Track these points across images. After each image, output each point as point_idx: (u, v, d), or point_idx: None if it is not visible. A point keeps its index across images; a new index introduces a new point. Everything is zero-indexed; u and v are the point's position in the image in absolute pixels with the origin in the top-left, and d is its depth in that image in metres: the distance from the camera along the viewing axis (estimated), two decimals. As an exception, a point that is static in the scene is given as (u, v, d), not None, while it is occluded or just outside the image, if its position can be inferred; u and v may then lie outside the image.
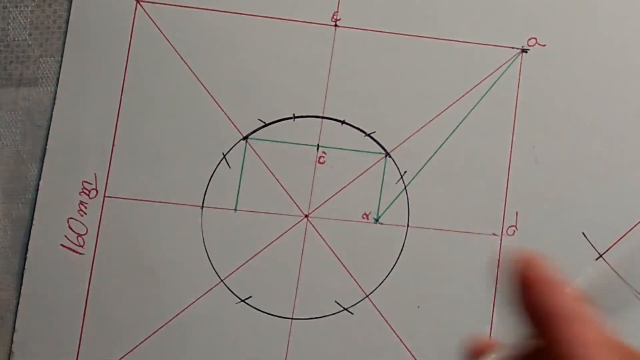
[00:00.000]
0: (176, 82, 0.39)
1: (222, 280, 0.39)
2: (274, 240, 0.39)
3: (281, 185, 0.39)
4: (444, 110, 0.39)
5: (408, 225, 0.39)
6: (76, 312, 0.38)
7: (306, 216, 0.39)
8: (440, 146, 0.39)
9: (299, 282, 0.39)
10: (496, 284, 0.39)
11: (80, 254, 0.38)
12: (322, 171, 0.39)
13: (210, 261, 0.39)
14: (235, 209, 0.39)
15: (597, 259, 0.38)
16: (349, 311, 0.38)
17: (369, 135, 0.39)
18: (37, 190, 0.39)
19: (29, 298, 0.38)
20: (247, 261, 0.39)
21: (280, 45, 0.40)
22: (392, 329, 0.38)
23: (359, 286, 0.38)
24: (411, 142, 0.39)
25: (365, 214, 0.39)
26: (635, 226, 0.38)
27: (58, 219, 0.38)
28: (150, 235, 0.39)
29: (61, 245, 0.38)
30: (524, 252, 0.26)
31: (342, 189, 0.39)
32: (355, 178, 0.39)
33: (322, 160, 0.39)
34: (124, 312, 0.38)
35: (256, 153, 0.39)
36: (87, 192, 0.39)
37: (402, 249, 0.39)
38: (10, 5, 0.40)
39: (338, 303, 0.38)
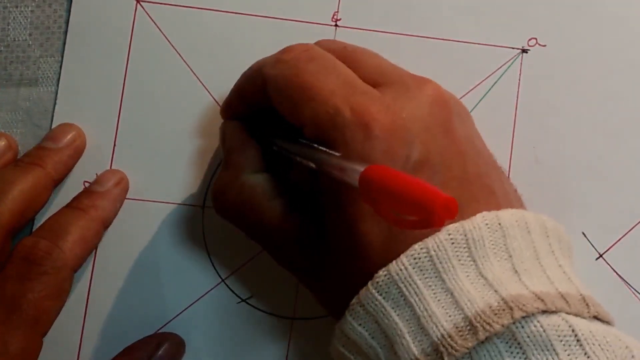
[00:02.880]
0: (177, 82, 0.39)
1: (223, 280, 0.39)
2: (275, 240, 0.39)
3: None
4: (444, 110, 0.39)
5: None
6: (77, 311, 0.38)
7: (307, 216, 0.39)
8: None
9: (300, 282, 0.39)
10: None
11: (81, 254, 0.38)
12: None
13: (211, 261, 0.39)
14: (236, 209, 0.39)
15: (597, 259, 0.38)
16: (349, 311, 0.38)
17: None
18: (37, 190, 0.38)
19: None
20: (248, 261, 0.39)
21: (280, 45, 0.39)
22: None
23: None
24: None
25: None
26: (635, 226, 0.38)
27: (59, 219, 0.38)
28: (151, 235, 0.39)
29: (62, 245, 0.38)
30: None
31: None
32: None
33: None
34: (124, 312, 0.38)
35: (257, 153, 0.39)
36: (88, 192, 0.39)
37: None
38: (10, 6, 0.40)
39: (339, 303, 0.38)
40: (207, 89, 0.39)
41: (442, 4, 0.40)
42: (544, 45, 0.39)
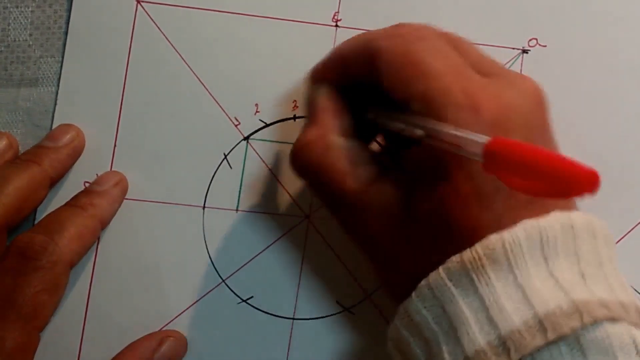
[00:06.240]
0: (177, 83, 0.39)
1: (223, 281, 0.39)
2: (276, 241, 0.39)
3: (282, 185, 0.39)
4: (445, 111, 0.39)
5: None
6: (77, 312, 0.38)
7: (307, 216, 0.39)
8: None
9: (300, 282, 0.39)
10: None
11: (81, 254, 0.38)
12: (323, 171, 0.39)
13: (211, 261, 0.39)
14: (237, 210, 0.39)
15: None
16: (350, 311, 0.39)
17: (369, 135, 0.39)
18: (38, 190, 0.38)
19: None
20: (248, 261, 0.39)
21: (280, 45, 0.40)
22: (393, 328, 0.38)
23: (360, 286, 0.39)
24: (412, 143, 0.39)
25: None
26: (635, 226, 0.38)
27: (59, 220, 0.38)
28: (152, 235, 0.39)
29: (62, 245, 0.38)
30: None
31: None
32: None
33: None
34: (125, 313, 0.38)
35: (257, 153, 0.39)
36: (88, 193, 0.39)
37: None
38: (10, 6, 0.40)
39: (339, 303, 0.39)
40: (207, 89, 0.39)
41: (443, 4, 0.40)
42: (545, 46, 0.39)
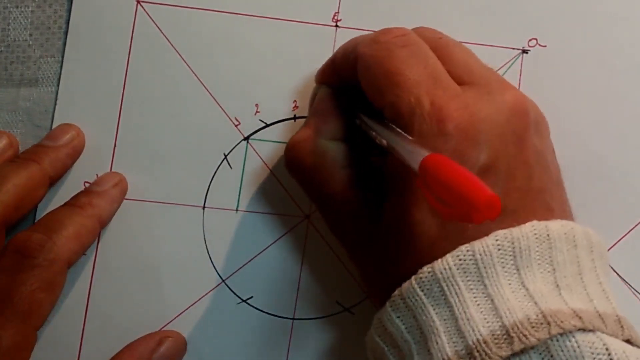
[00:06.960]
0: (177, 83, 0.39)
1: (223, 281, 0.39)
2: (276, 241, 0.39)
3: (282, 185, 0.39)
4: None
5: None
6: (77, 312, 0.38)
7: (307, 217, 0.39)
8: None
9: (300, 282, 0.39)
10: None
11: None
12: (323, 171, 0.39)
13: (211, 261, 0.39)
14: (237, 210, 0.39)
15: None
16: (350, 311, 0.39)
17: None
18: (38, 190, 0.38)
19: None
20: (248, 261, 0.39)
21: (280, 45, 0.40)
22: (393, 328, 0.38)
23: (360, 286, 0.39)
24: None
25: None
26: (635, 226, 0.38)
27: (59, 220, 0.38)
28: (152, 235, 0.39)
29: (62, 245, 0.38)
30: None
31: (343, 189, 0.39)
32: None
33: (323, 160, 0.39)
34: (125, 313, 0.38)
35: (257, 153, 0.39)
36: (88, 193, 0.39)
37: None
38: (10, 6, 0.40)
39: (339, 303, 0.39)
40: (207, 89, 0.39)
41: (443, 4, 0.40)
42: (544, 46, 0.39)
